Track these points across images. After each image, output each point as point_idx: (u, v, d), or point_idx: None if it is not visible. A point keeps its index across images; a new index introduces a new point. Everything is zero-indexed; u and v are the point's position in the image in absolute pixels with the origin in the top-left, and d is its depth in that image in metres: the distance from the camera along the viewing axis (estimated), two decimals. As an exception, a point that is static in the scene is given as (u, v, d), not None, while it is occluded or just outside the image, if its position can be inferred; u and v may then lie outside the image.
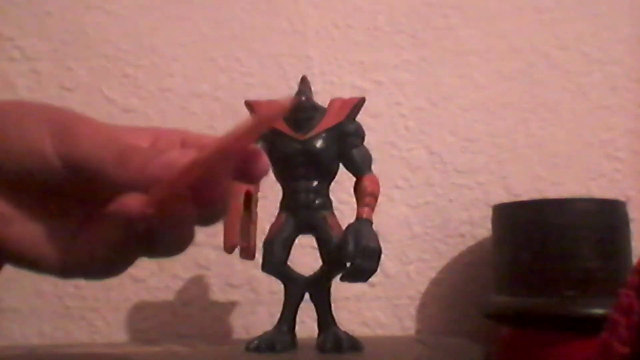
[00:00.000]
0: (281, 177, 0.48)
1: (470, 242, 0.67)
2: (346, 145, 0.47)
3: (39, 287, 0.64)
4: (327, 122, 0.47)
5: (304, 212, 0.47)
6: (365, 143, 0.49)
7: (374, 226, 0.46)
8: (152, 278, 0.65)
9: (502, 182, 0.69)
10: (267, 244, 0.47)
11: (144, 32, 0.68)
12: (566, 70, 0.70)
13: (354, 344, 0.47)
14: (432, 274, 0.67)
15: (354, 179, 0.48)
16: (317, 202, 0.47)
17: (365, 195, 0.46)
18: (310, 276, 0.48)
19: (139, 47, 0.68)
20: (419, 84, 0.70)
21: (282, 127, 0.47)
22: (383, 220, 0.65)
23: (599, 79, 0.70)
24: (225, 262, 0.65)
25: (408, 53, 0.70)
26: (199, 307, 0.65)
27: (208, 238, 0.66)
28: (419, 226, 0.68)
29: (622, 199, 0.61)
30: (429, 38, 0.70)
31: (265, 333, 0.48)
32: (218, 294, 0.65)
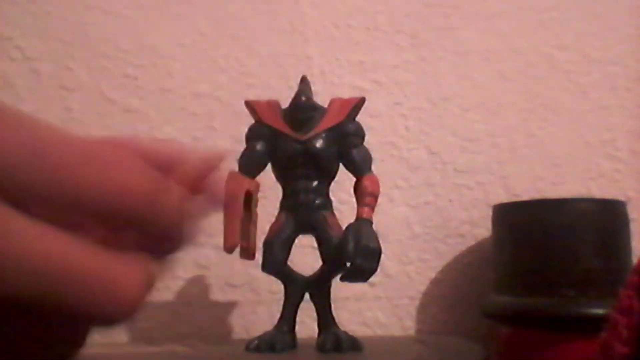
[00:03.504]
0: (281, 177, 0.48)
1: (470, 242, 0.68)
2: (346, 145, 0.47)
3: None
4: (327, 122, 0.47)
5: (304, 212, 0.47)
6: (365, 143, 0.49)
7: (374, 226, 0.46)
8: (152, 278, 0.65)
9: (502, 182, 0.69)
10: (267, 244, 0.47)
11: (144, 32, 0.68)
12: (566, 70, 0.70)
13: (354, 344, 0.47)
14: (432, 274, 0.67)
15: (354, 179, 0.48)
16: (317, 202, 0.47)
17: (365, 195, 0.46)
18: (310, 276, 0.48)
19: (139, 47, 0.68)
20: (419, 84, 0.70)
21: (282, 127, 0.47)
22: (383, 220, 0.64)
23: (599, 79, 0.70)
24: (225, 262, 0.65)
25: (408, 53, 0.70)
26: (199, 307, 0.65)
27: (208, 238, 0.66)
28: (419, 226, 0.68)
29: (622, 199, 0.61)
30: (429, 38, 0.70)
31: (265, 333, 0.48)
32: (218, 294, 0.65)
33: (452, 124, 0.69)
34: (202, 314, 0.65)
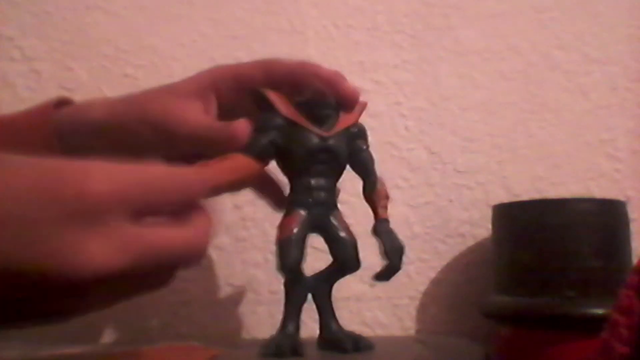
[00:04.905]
0: (295, 172, 0.46)
1: (470, 242, 0.68)
2: (357, 146, 0.47)
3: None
4: (345, 121, 0.47)
5: (318, 210, 0.46)
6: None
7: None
8: (152, 278, 0.65)
9: (502, 182, 0.69)
10: (284, 242, 0.45)
11: (144, 32, 0.68)
12: (566, 70, 0.70)
13: (358, 344, 0.46)
14: (432, 274, 0.67)
15: (355, 179, 0.47)
16: (329, 200, 0.46)
17: (382, 198, 0.47)
18: (314, 276, 0.48)
19: (139, 47, 0.68)
20: (419, 84, 0.70)
21: (303, 121, 0.45)
22: (383, 220, 0.64)
23: (599, 79, 0.70)
24: (225, 262, 0.65)
25: (408, 53, 0.70)
26: (199, 307, 0.65)
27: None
28: (419, 226, 0.68)
29: (622, 199, 0.61)
30: (429, 38, 0.70)
31: (276, 336, 0.46)
32: (218, 294, 0.65)
33: (452, 124, 0.69)
34: (202, 314, 0.65)
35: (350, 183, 0.48)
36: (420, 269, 0.67)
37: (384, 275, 0.46)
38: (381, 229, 0.46)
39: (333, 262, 0.47)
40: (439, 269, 0.67)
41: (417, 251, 0.67)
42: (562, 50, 0.71)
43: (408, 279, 0.67)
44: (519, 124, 0.70)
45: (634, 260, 0.50)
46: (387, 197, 0.47)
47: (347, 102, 0.46)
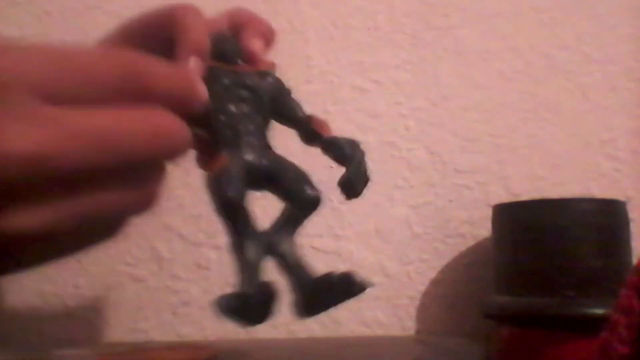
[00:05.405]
0: (219, 115, 0.39)
1: (470, 242, 0.68)
2: (279, 94, 0.41)
3: (39, 287, 0.64)
4: (255, 65, 0.40)
5: (250, 154, 0.39)
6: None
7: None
8: (152, 278, 0.65)
9: (502, 182, 0.69)
10: (217, 176, 0.36)
11: (144, 32, 0.68)
12: (566, 70, 0.70)
13: (350, 280, 0.38)
14: (432, 274, 0.67)
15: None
16: (261, 143, 0.40)
17: (322, 125, 0.40)
18: (269, 229, 0.39)
19: (139, 47, 0.68)
20: (419, 84, 0.70)
21: (212, 61, 0.40)
22: (383, 220, 0.65)
23: (599, 79, 0.70)
24: (225, 262, 0.65)
25: (408, 53, 0.70)
26: (199, 307, 0.65)
27: (208, 238, 0.66)
28: (419, 226, 0.68)
29: (622, 199, 0.61)
30: (429, 38, 0.70)
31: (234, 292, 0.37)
32: (218, 294, 0.65)
33: (452, 124, 0.69)
34: (202, 314, 0.65)
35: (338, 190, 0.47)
36: (420, 269, 0.67)
37: (348, 184, 0.39)
38: (329, 138, 0.40)
39: (288, 205, 0.39)
40: (439, 269, 0.67)
41: (417, 251, 0.67)
42: (562, 50, 0.71)
43: (408, 279, 0.67)
44: (519, 124, 0.70)
45: (634, 260, 0.50)
46: (328, 125, 0.40)
47: (248, 49, 0.41)
